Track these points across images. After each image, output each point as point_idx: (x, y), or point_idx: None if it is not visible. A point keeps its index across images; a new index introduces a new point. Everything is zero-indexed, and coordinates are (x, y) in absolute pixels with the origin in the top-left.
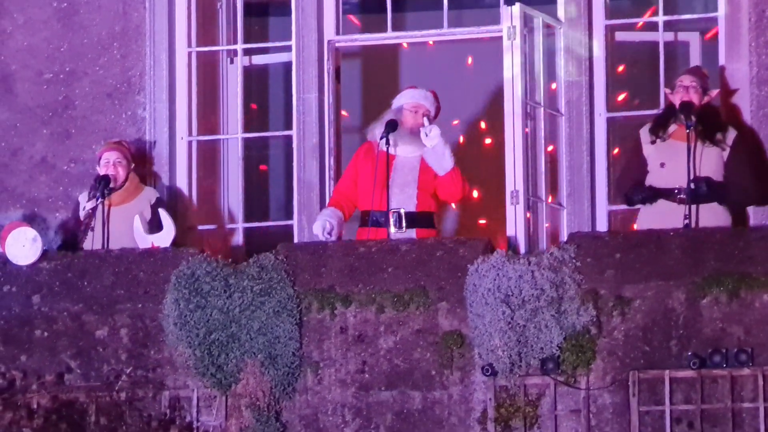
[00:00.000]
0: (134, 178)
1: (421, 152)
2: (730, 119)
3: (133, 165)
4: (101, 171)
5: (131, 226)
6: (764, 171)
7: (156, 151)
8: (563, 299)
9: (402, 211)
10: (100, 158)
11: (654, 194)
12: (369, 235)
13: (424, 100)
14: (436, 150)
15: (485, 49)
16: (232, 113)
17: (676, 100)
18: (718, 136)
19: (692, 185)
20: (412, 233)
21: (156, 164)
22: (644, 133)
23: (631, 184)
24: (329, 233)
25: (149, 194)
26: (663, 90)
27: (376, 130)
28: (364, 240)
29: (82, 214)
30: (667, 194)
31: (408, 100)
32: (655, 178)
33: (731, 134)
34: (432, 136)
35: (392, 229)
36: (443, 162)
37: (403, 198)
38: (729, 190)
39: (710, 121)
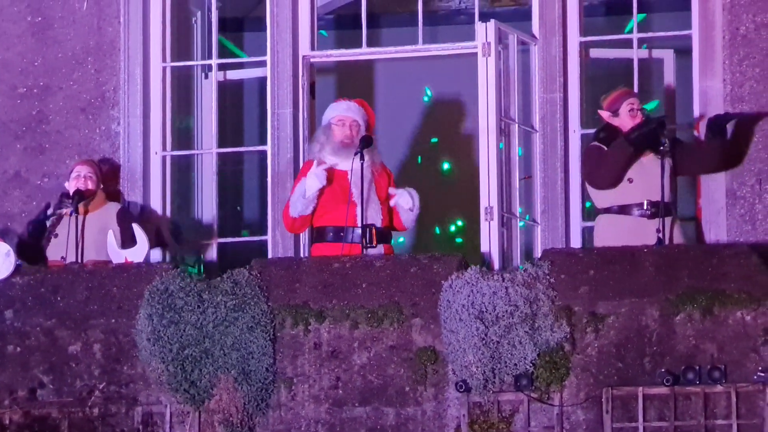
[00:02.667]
0: (101, 194)
1: (357, 164)
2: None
3: (101, 186)
4: (71, 183)
5: (96, 235)
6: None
7: (130, 165)
8: (537, 316)
9: (374, 226)
10: (71, 171)
11: (657, 123)
12: (342, 251)
13: (347, 112)
14: (411, 214)
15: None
16: (206, 128)
17: (628, 123)
18: (665, 145)
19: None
20: (381, 249)
21: (129, 179)
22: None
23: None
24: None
25: (113, 208)
26: (603, 114)
27: (314, 149)
28: (338, 256)
29: (49, 222)
30: (634, 209)
31: (333, 113)
32: (623, 195)
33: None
34: (410, 202)
35: (365, 244)
36: (409, 223)
37: (372, 213)
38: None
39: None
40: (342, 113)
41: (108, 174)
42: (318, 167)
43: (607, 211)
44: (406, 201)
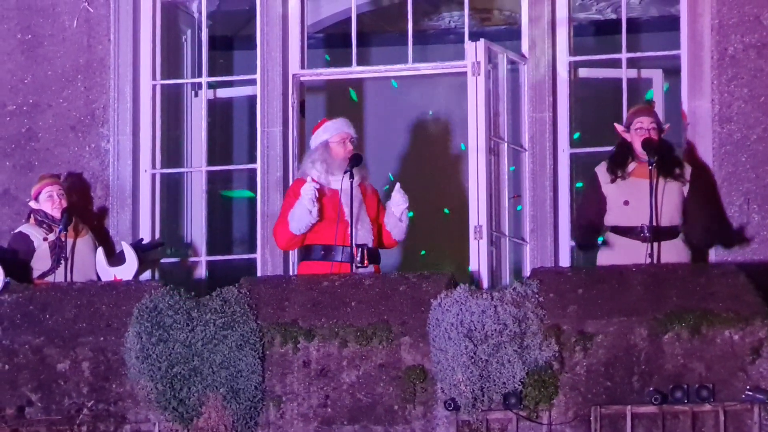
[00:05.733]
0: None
1: (347, 183)
2: (689, 156)
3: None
4: (43, 204)
5: (91, 259)
6: (722, 210)
7: (119, 183)
8: (526, 334)
9: (365, 246)
10: (39, 192)
11: (596, 233)
12: (332, 270)
13: (347, 128)
14: (400, 221)
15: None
16: (196, 146)
17: (636, 140)
18: (677, 170)
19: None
20: (371, 269)
21: (119, 197)
22: (601, 172)
23: (585, 224)
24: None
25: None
26: (618, 128)
27: (306, 168)
28: (327, 274)
29: (37, 244)
30: (631, 232)
31: (332, 132)
32: (618, 217)
33: (688, 169)
34: (401, 207)
35: (356, 264)
36: (401, 232)
37: (363, 233)
38: (693, 230)
39: (668, 156)
40: (343, 130)
41: (81, 189)
42: (308, 185)
43: (610, 229)
44: (396, 202)
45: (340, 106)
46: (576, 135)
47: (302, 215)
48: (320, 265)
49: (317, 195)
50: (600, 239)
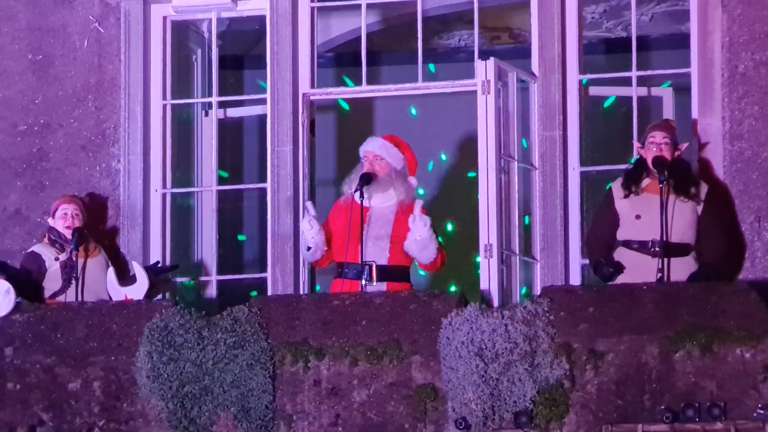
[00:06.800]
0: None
1: (394, 202)
2: (702, 173)
3: (86, 218)
4: (57, 222)
5: (102, 279)
6: (735, 232)
7: (130, 203)
8: (536, 353)
9: (374, 264)
10: (56, 210)
11: (618, 270)
12: (342, 287)
13: (370, 146)
14: (421, 242)
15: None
16: (206, 165)
17: (648, 155)
18: (692, 190)
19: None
20: (383, 286)
21: (129, 216)
22: (616, 188)
23: (601, 246)
24: (313, 233)
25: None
26: (635, 144)
27: (351, 183)
28: (337, 293)
29: (48, 264)
30: (642, 246)
31: (361, 150)
32: (629, 231)
33: (704, 188)
34: (421, 227)
35: (363, 282)
36: (426, 252)
37: (376, 251)
38: (704, 249)
39: (682, 175)
40: (365, 148)
41: (94, 209)
42: (306, 219)
43: (621, 243)
44: (417, 227)
45: (351, 125)
46: (611, 99)
47: (302, 252)
48: (347, 282)
49: (317, 227)
50: (614, 270)
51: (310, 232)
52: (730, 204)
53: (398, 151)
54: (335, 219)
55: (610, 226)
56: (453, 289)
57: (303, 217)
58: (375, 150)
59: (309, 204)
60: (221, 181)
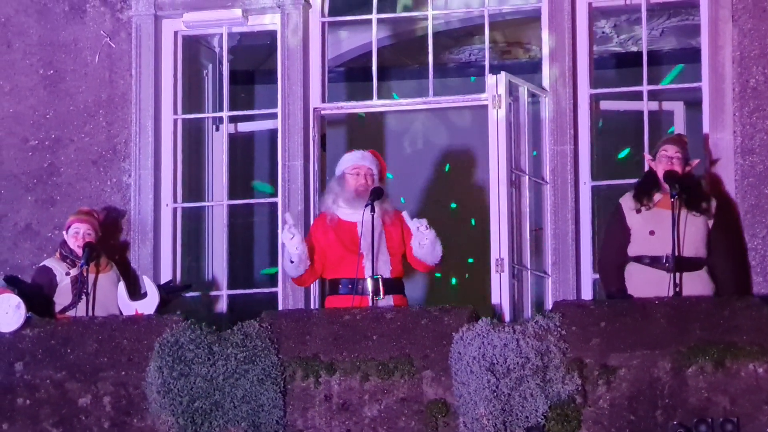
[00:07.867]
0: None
1: (367, 216)
2: (712, 188)
3: (100, 235)
4: (69, 239)
5: (113, 294)
6: (742, 249)
7: (141, 217)
8: (548, 368)
9: (380, 277)
10: (69, 226)
11: (620, 264)
12: (353, 303)
13: (362, 161)
14: (430, 244)
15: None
16: (217, 180)
17: (660, 169)
18: (704, 205)
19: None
20: (390, 300)
21: (140, 231)
22: (627, 202)
23: (614, 269)
24: (296, 244)
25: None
26: (646, 157)
27: (328, 201)
28: (348, 308)
29: (59, 279)
30: (656, 262)
31: (348, 163)
32: (643, 246)
33: (714, 203)
34: (425, 231)
35: (376, 296)
36: (433, 255)
37: (379, 265)
38: (715, 263)
39: (693, 190)
40: (357, 162)
41: (106, 224)
42: (285, 229)
43: (633, 259)
44: (422, 236)
45: (362, 139)
46: (626, 151)
47: (285, 265)
48: (344, 299)
49: (300, 237)
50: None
51: (292, 242)
52: (737, 219)
53: (379, 163)
54: (318, 235)
55: (622, 242)
56: (453, 282)
57: (282, 230)
58: (368, 164)
59: (288, 215)
60: (265, 195)
